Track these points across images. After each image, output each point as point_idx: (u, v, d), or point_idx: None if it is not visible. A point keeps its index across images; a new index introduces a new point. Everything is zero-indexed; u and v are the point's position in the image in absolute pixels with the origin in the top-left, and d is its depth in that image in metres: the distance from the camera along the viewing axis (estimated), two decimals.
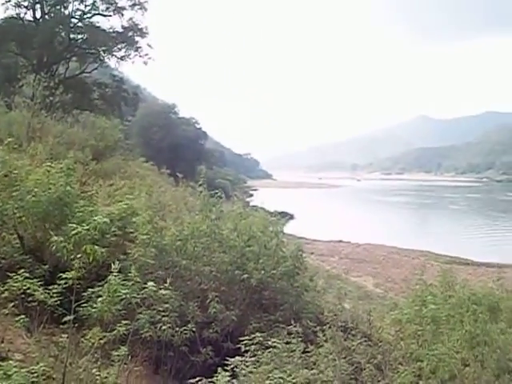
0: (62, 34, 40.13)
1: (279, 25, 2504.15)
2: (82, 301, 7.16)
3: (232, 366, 7.05)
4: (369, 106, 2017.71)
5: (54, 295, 7.22)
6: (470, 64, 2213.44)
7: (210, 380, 6.76)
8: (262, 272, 10.28)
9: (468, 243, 58.48)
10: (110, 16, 40.92)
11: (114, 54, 41.21)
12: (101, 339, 6.96)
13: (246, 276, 10.16)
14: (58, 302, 7.25)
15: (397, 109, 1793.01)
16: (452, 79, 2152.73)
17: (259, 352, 7.49)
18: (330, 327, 8.84)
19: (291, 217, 72.47)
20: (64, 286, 7.13)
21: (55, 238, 7.62)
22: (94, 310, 7.00)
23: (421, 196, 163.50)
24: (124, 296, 7.06)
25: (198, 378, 6.85)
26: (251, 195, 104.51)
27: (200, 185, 12.04)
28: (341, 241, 57.13)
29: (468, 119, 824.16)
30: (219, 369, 6.89)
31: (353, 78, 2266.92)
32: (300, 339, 8.14)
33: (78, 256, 6.70)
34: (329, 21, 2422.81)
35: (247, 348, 7.63)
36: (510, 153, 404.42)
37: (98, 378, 6.50)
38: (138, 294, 7.67)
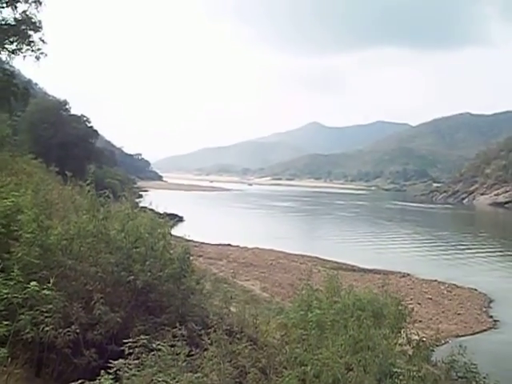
0: None
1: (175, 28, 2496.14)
2: None
3: (115, 369, 6.95)
4: (259, 110, 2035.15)
5: None
6: (363, 74, 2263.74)
7: (92, 383, 6.65)
8: (149, 274, 10.17)
9: (355, 250, 59.70)
10: (3, 8, 39.65)
11: (6, 47, 39.97)
12: None
13: (132, 278, 10.03)
14: None
15: (289, 115, 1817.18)
16: (346, 89, 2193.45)
17: (143, 355, 7.42)
18: (215, 330, 8.84)
19: (181, 219, 72.12)
20: None
21: None
22: None
23: (310, 202, 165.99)
24: (5, 296, 6.86)
25: (80, 381, 6.72)
26: (141, 196, 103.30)
27: (88, 184, 11.84)
28: (229, 244, 57.28)
29: (359, 128, 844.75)
30: (102, 371, 6.79)
31: (250, 82, 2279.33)
32: (185, 342, 8.10)
33: None
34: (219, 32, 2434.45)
35: (131, 350, 7.55)
36: (397, 162, 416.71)
37: None
38: (21, 294, 7.47)
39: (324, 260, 49.71)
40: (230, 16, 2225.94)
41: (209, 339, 8.71)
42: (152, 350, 7.55)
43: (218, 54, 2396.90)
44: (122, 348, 7.84)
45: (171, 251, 11.34)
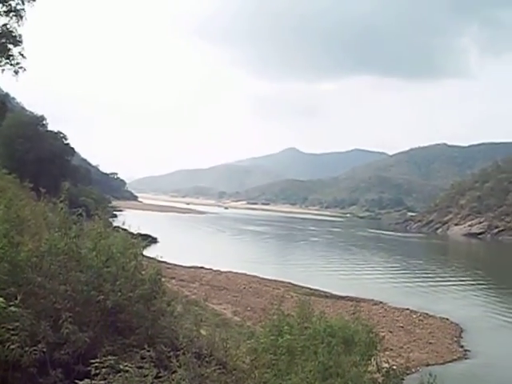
0: None
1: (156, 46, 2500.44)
2: None
3: None
4: (237, 134, 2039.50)
5: None
6: (341, 102, 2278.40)
7: None
8: (119, 294, 10.06)
9: (328, 276, 59.79)
10: None
11: None
12: None
13: (102, 297, 9.90)
14: None
15: (266, 140, 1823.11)
16: (324, 115, 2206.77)
17: (110, 376, 7.32)
18: (184, 353, 8.75)
19: (154, 240, 72.01)
20: None
21: None
22: None
23: (284, 227, 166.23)
24: None
25: None
26: (115, 215, 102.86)
27: (61, 201, 11.72)
28: (203, 267, 57.11)
29: (336, 155, 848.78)
30: None
31: (229, 106, 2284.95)
32: (153, 364, 8.01)
33: None
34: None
35: (98, 371, 7.44)
36: (373, 190, 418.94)
37: None
38: None
39: (297, 286, 49.69)
40: (211, 39, 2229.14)
41: (177, 362, 8.61)
42: (119, 371, 7.44)
43: (196, 77, 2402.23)
44: (89, 368, 7.74)
45: (143, 272, 11.23)
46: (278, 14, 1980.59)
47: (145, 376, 7.54)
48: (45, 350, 8.28)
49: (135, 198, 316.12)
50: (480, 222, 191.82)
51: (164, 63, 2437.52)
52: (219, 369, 9.15)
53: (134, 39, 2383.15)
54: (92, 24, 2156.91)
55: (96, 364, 7.60)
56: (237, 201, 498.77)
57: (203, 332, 11.55)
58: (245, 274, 54.57)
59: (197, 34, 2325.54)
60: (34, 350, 8.09)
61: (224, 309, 36.56)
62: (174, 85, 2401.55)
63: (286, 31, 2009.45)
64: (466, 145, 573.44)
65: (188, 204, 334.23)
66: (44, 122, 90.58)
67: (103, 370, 7.45)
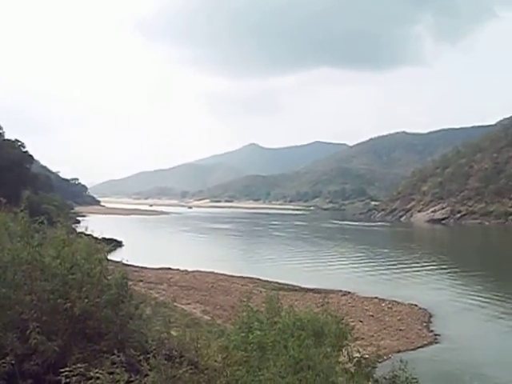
0: None
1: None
2: None
3: None
4: (198, 132, 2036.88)
5: None
6: (299, 95, 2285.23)
7: None
8: (86, 300, 9.96)
9: (296, 270, 59.91)
10: None
11: None
12: None
13: (68, 305, 9.80)
14: None
15: (227, 137, 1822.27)
16: (283, 110, 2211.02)
17: (81, 383, 7.26)
18: (154, 356, 8.69)
19: (120, 244, 71.61)
20: None
21: None
22: None
23: (249, 223, 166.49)
24: None
25: None
26: (78, 221, 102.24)
27: (22, 210, 11.59)
28: (170, 268, 56.90)
29: (297, 149, 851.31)
30: None
31: (188, 105, 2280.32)
32: (124, 369, 7.95)
33: None
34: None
35: (68, 380, 7.37)
36: (336, 182, 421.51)
37: None
38: None
39: (265, 281, 49.75)
40: (166, 38, 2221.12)
41: (148, 365, 8.56)
42: (90, 378, 7.38)
43: (152, 77, 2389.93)
44: (60, 377, 7.66)
45: (109, 277, 11.13)
46: (234, 10, 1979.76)
47: (116, 381, 7.49)
48: (13, 362, 8.18)
49: (97, 202, 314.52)
50: (443, 208, 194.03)
51: (116, 65, 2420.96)
52: (191, 369, 9.10)
53: (82, 41, 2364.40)
54: (32, 23, 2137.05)
55: (66, 373, 7.53)
56: (200, 199, 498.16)
57: (173, 333, 11.48)
58: (212, 273, 54.50)
59: (150, 33, 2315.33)
60: (3, 362, 8.00)
61: (193, 308, 36.47)
62: (127, 86, 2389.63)
63: (241, 28, 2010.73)
64: (426, 132, 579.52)
65: (151, 206, 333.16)
66: (0, 131, 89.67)
67: (74, 378, 7.39)
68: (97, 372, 7.47)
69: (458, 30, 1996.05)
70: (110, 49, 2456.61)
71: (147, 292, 35.39)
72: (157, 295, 37.17)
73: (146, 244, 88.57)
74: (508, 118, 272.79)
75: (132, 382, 7.95)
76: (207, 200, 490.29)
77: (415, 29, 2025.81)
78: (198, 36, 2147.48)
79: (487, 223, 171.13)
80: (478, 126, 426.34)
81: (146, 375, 8.36)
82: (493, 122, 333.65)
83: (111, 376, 7.52)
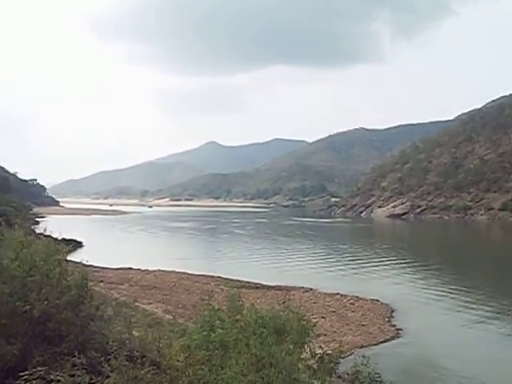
0: None
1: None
2: None
3: None
4: (156, 131, 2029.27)
5: None
6: (258, 93, 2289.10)
7: None
8: (45, 302, 9.84)
9: (257, 267, 59.92)
10: None
11: None
12: None
13: (28, 307, 9.68)
14: None
15: (186, 135, 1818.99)
16: (242, 108, 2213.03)
17: None
18: (115, 357, 8.62)
19: (80, 244, 71.16)
20: None
21: None
22: None
23: (210, 222, 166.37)
24: None
25: None
26: (37, 222, 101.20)
27: None
28: (131, 268, 56.50)
29: (256, 146, 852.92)
30: None
31: (145, 103, 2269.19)
32: (85, 371, 7.87)
33: None
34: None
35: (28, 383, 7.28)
36: (295, 179, 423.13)
37: None
38: None
39: (226, 279, 49.58)
40: (121, 36, 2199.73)
41: (109, 366, 8.48)
42: (51, 382, 7.29)
43: (109, 74, 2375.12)
44: (20, 381, 7.56)
45: (68, 278, 11.02)
46: (178, 6, 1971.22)
47: None
48: None
49: (57, 203, 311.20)
50: (402, 203, 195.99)
51: (72, 64, 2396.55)
52: (153, 369, 9.04)
53: (35, 41, 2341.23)
54: None
55: (26, 376, 7.43)
56: (160, 198, 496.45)
57: (135, 333, 11.41)
58: (174, 272, 54.25)
59: (103, 32, 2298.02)
60: None
61: (155, 308, 36.27)
62: (83, 86, 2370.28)
63: (195, 27, 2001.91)
64: (384, 128, 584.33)
65: (111, 205, 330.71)
66: None
67: (34, 381, 7.30)
68: (57, 375, 7.39)
69: (416, 27, 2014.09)
70: (65, 50, 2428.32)
71: (108, 292, 35.07)
72: (118, 295, 36.90)
73: (107, 244, 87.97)
74: (466, 113, 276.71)
75: (93, 383, 7.88)
76: (167, 199, 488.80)
77: (373, 26, 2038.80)
78: (152, 35, 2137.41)
79: (447, 218, 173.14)
80: (436, 122, 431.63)
81: (108, 377, 8.29)
82: (451, 118, 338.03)
83: (72, 378, 7.45)
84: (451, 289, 46.56)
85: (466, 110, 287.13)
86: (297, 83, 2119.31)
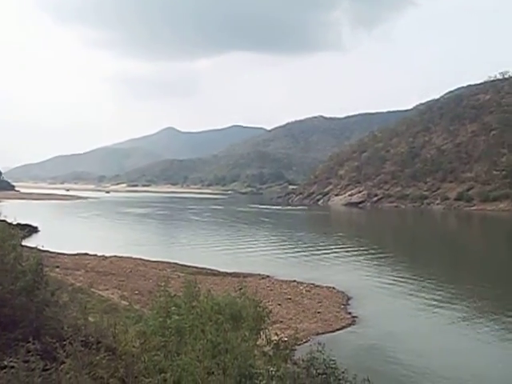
0: None
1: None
2: None
3: None
4: (114, 116, 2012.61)
5: None
6: (217, 79, 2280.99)
7: None
8: (0, 288, 9.76)
9: (214, 254, 59.95)
10: None
11: None
12: None
13: None
14: None
15: (144, 120, 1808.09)
16: (201, 94, 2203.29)
17: None
18: (71, 343, 8.57)
19: (35, 230, 70.41)
20: None
21: None
22: None
23: (167, 208, 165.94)
24: None
25: None
26: None
27: None
28: (87, 254, 56.04)
29: (215, 133, 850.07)
30: None
31: (102, 88, 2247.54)
32: (40, 357, 7.82)
33: None
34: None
35: None
36: (253, 166, 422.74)
37: None
38: None
39: (183, 265, 49.56)
40: (77, 19, 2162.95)
41: (65, 352, 8.44)
42: (4, 368, 7.23)
43: (65, 58, 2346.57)
44: None
45: (23, 263, 10.91)
46: None
47: (32, 370, 7.36)
48: None
49: (12, 187, 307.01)
50: (360, 192, 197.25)
51: (31, 50, 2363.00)
52: (108, 355, 9.02)
53: None
54: None
55: None
56: (117, 184, 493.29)
57: (91, 319, 11.35)
58: (130, 258, 53.97)
59: (57, 13, 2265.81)
60: None
61: (111, 294, 36.06)
62: (40, 70, 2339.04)
63: (156, 11, 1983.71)
64: (343, 116, 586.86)
65: (68, 190, 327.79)
66: None
67: None
68: (11, 361, 7.34)
69: (376, 17, 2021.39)
70: (18, 32, 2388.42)
71: (64, 278, 34.87)
72: (74, 281, 36.65)
73: (63, 230, 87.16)
74: (424, 104, 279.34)
75: (48, 369, 7.84)
76: (124, 185, 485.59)
77: (333, 15, 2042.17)
78: (110, 18, 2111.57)
79: (403, 206, 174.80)
80: (394, 111, 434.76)
81: (63, 362, 8.25)
82: (409, 107, 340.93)
83: (26, 364, 7.40)
84: (406, 277, 47.12)
85: (424, 101, 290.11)
86: (257, 70, 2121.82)
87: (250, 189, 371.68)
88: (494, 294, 40.98)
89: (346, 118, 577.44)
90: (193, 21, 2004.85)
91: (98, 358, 8.65)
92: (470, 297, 39.35)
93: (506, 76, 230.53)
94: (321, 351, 10.71)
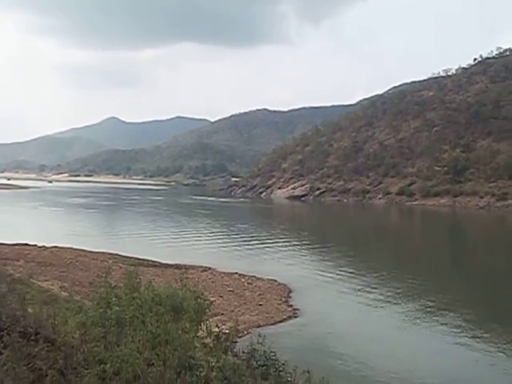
0: None
1: None
2: None
3: None
4: (56, 105, 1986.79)
5: None
6: (162, 70, 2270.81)
7: None
8: None
9: (156, 245, 59.70)
10: None
11: None
12: None
13: None
14: None
15: (86, 110, 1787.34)
16: (145, 84, 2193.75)
17: None
18: (8, 333, 8.48)
19: None
20: None
21: None
22: None
23: (109, 198, 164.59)
24: None
25: None
26: None
27: None
28: (27, 244, 55.20)
29: (158, 124, 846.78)
30: None
31: (43, 77, 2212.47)
32: None
33: None
34: None
35: None
36: (196, 158, 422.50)
37: None
38: None
39: (124, 257, 49.27)
40: (19, 6, 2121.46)
41: (2, 343, 8.35)
42: None
43: (6, 45, 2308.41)
44: None
45: None
46: None
47: None
48: None
49: None
50: (302, 185, 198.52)
51: None
52: (47, 346, 8.95)
53: None
54: None
55: None
56: (59, 174, 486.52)
57: (30, 310, 11.24)
58: (71, 248, 53.37)
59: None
60: None
61: (51, 285, 35.64)
62: None
63: (94, 2, 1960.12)
64: (287, 109, 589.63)
65: (9, 179, 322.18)
66: None
67: None
68: None
69: (323, 11, 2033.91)
70: None
71: (2, 269, 34.30)
72: (13, 272, 36.08)
73: (2, 219, 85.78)
74: (367, 99, 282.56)
75: None
76: (66, 174, 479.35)
77: (280, 8, 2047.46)
78: (56, 6, 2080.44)
79: (345, 200, 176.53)
80: (338, 106, 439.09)
81: (0, 353, 8.15)
82: (353, 102, 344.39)
83: None
84: (347, 271, 47.59)
85: (368, 96, 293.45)
86: (203, 62, 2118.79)
87: (192, 180, 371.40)
88: (430, 286, 41.84)
89: (290, 111, 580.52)
90: (137, 11, 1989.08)
91: (36, 349, 8.59)
92: (410, 289, 40.05)
93: (450, 73, 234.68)
94: (261, 343, 10.82)
